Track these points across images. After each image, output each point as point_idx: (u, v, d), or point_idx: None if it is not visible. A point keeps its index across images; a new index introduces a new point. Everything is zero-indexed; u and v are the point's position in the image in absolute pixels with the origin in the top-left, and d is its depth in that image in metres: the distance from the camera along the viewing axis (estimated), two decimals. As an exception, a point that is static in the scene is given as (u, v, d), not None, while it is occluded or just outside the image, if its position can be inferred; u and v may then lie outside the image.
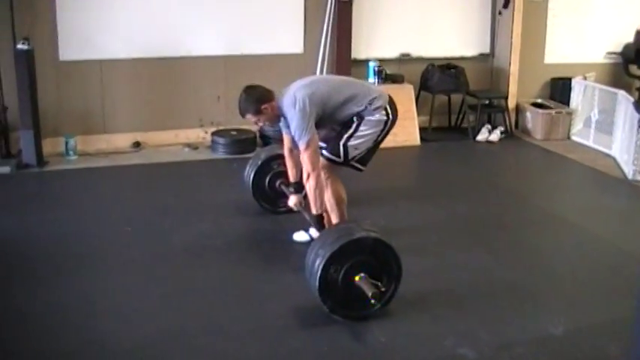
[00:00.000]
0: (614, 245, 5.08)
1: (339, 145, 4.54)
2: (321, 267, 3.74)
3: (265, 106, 4.45)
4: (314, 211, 4.42)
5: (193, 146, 7.35)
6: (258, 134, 7.38)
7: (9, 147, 6.71)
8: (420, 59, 8.14)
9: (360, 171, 4.76)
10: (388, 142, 7.30)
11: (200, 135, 7.51)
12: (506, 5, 8.22)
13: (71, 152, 6.93)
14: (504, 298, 4.19)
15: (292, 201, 4.79)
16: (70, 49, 6.97)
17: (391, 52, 8.06)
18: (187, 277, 4.40)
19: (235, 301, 4.14)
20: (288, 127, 4.51)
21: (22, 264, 4.57)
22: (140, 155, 7.08)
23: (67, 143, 6.92)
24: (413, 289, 4.19)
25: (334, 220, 4.69)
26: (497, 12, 8.36)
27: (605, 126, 7.61)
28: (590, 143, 7.81)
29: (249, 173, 5.40)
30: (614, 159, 7.23)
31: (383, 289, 3.82)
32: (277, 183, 5.30)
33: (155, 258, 4.68)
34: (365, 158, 4.70)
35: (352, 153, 4.56)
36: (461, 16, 8.30)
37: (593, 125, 7.82)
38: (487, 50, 8.49)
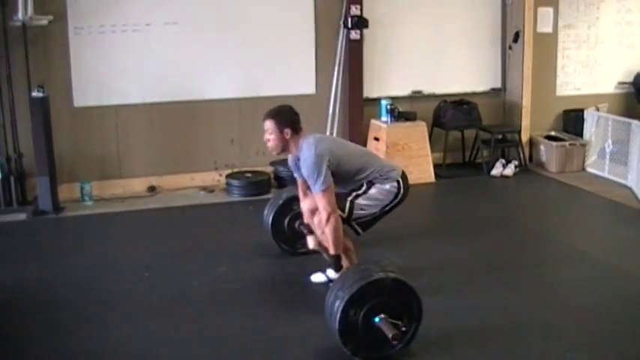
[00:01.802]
0: (635, 277, 5.03)
1: (345, 200, 4.52)
2: (340, 310, 3.72)
3: (288, 131, 4.43)
4: (332, 252, 4.39)
5: (209, 189, 7.36)
6: (272, 175, 7.39)
7: (25, 194, 6.74)
8: (432, 96, 8.17)
9: (358, 234, 4.71)
10: (403, 179, 7.39)
11: (215, 178, 7.53)
12: (516, 40, 8.26)
13: (87, 198, 6.95)
14: (527, 336, 4.14)
15: (311, 243, 4.75)
16: (84, 95, 7.04)
17: (403, 90, 8.09)
18: (207, 323, 4.37)
19: (256, 346, 4.09)
20: (299, 169, 4.51)
21: (40, 311, 4.55)
22: (156, 199, 7.10)
23: (82, 189, 6.95)
24: (434, 329, 4.15)
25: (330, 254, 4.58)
26: (507, 46, 8.40)
27: (620, 156, 7.59)
28: (605, 174, 7.78)
29: (269, 214, 5.38)
30: (630, 189, 7.19)
31: (404, 329, 3.79)
32: (297, 224, 5.26)
33: (174, 304, 4.66)
34: (367, 223, 4.66)
35: (357, 212, 4.54)
36: (471, 52, 8.34)
37: (607, 156, 7.80)
38: (499, 85, 8.51)
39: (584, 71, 8.63)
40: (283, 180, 7.26)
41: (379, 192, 4.55)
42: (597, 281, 5.04)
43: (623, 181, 7.42)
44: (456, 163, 8.32)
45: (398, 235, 5.95)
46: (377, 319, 3.75)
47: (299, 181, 4.76)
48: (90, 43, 6.96)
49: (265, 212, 5.44)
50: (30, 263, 5.43)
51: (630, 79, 8.70)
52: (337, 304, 3.76)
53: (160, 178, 7.36)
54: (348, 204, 4.52)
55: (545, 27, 8.35)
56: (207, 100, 7.41)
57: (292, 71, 7.64)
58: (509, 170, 7.95)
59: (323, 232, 4.49)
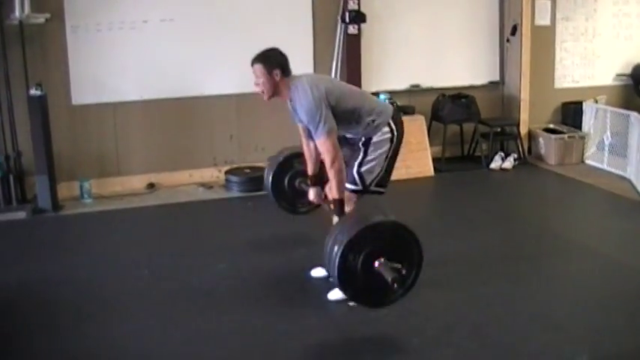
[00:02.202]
0: (635, 270, 5.03)
1: (353, 174, 4.48)
2: (339, 254, 3.63)
3: (278, 72, 4.36)
4: (336, 196, 4.29)
5: (208, 185, 7.36)
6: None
7: (24, 192, 6.74)
8: (430, 90, 8.16)
9: (382, 194, 4.65)
10: (401, 174, 7.41)
11: (214, 174, 7.53)
12: (513, 33, 8.25)
13: (86, 196, 6.95)
14: (528, 329, 4.14)
15: (312, 194, 4.73)
16: (82, 93, 7.03)
17: (401, 84, 8.08)
18: (207, 320, 4.37)
19: (256, 343, 4.10)
20: (297, 114, 4.40)
21: (40, 310, 4.55)
22: (155, 196, 7.10)
23: (81, 187, 6.95)
24: (435, 322, 4.18)
25: None
26: (505, 40, 8.39)
27: (619, 148, 7.60)
28: (604, 166, 7.79)
29: (269, 173, 5.21)
30: (629, 181, 7.20)
31: (403, 273, 3.73)
32: (297, 182, 5.12)
33: (174, 301, 4.66)
34: (382, 179, 4.59)
35: (368, 178, 4.50)
36: (469, 45, 8.34)
37: (606, 148, 7.81)
38: (497, 78, 8.50)
39: (582, 64, 8.63)
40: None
41: (375, 148, 4.47)
42: (597, 274, 5.04)
43: (622, 173, 7.43)
44: (454, 156, 8.32)
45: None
46: (376, 264, 3.68)
47: (300, 127, 4.63)
48: (87, 41, 6.94)
49: (265, 172, 5.28)
50: (30, 262, 5.43)
51: (628, 70, 8.70)
52: (336, 248, 3.68)
53: (158, 175, 7.37)
54: (357, 177, 4.46)
55: (542, 20, 8.34)
56: (206, 97, 7.40)
57: (291, 66, 7.61)
58: (508, 163, 7.96)
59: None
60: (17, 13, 6.47)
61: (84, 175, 7.01)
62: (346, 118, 4.38)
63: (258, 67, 4.41)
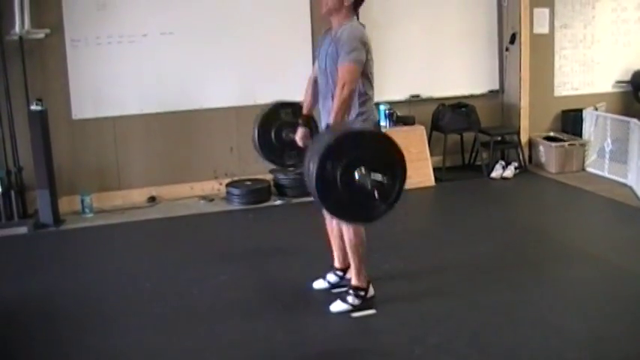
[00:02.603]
0: (637, 276, 5.02)
1: None
2: (317, 162, 3.52)
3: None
4: (332, 120, 4.13)
5: (209, 198, 7.36)
6: (272, 183, 7.39)
7: (26, 207, 6.74)
8: (430, 100, 8.17)
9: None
10: (403, 184, 7.39)
11: (215, 187, 7.54)
12: (512, 41, 8.26)
13: (87, 210, 6.96)
14: (529, 336, 4.13)
15: (299, 133, 4.63)
16: (82, 108, 7.05)
17: (401, 95, 8.09)
18: (209, 332, 4.36)
19: (258, 354, 4.09)
20: (326, 48, 4.35)
21: (42, 324, 4.55)
22: (156, 210, 7.10)
23: (82, 201, 6.96)
24: (436, 330, 4.18)
25: (353, 264, 4.53)
26: (504, 48, 8.41)
27: (620, 155, 7.59)
28: (605, 173, 7.78)
29: (254, 126, 5.01)
30: (630, 188, 7.19)
31: (385, 182, 3.60)
32: (284, 133, 4.94)
33: (176, 313, 4.65)
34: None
35: None
36: (468, 55, 8.35)
37: (607, 155, 7.80)
38: (496, 87, 8.51)
39: (582, 71, 8.64)
40: (283, 187, 7.27)
41: None
42: (598, 280, 5.03)
43: (623, 180, 7.42)
44: (455, 166, 8.32)
45: (400, 238, 5.97)
46: (356, 175, 3.57)
47: (314, 68, 4.63)
48: (87, 55, 6.98)
49: (252, 126, 5.06)
50: (32, 276, 5.43)
51: (628, 77, 8.70)
52: (315, 157, 3.57)
53: (159, 188, 7.37)
54: None
55: (541, 28, 8.35)
56: (205, 109, 7.42)
57: (289, 79, 7.61)
58: (509, 172, 7.95)
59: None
60: (17, 29, 6.51)
61: (85, 189, 7.02)
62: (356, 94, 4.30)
63: None
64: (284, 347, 4.15)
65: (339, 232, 4.68)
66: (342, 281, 4.85)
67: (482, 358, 3.92)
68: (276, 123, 4.97)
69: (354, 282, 4.53)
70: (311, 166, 3.59)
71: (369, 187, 3.52)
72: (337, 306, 4.53)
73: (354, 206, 3.65)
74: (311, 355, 4.05)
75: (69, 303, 4.89)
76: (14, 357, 4.18)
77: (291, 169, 4.97)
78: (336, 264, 4.91)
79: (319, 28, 7.60)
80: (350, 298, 4.52)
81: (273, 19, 7.52)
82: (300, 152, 4.65)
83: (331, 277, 4.90)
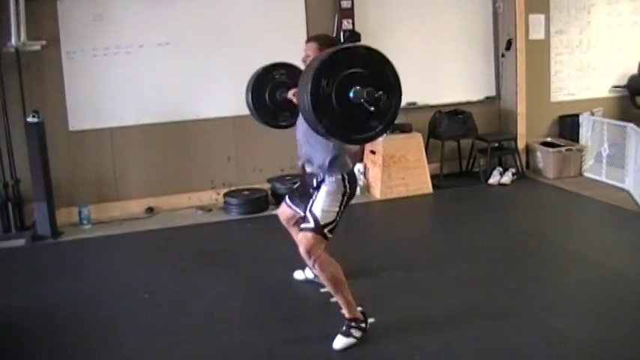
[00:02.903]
0: (635, 280, 5.01)
1: (306, 214, 4.35)
2: (311, 78, 3.51)
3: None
4: None
5: (206, 208, 7.36)
6: (270, 192, 7.39)
7: (23, 219, 6.74)
8: (426, 107, 8.18)
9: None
10: (400, 191, 7.47)
11: (213, 197, 7.54)
12: (508, 47, 8.28)
13: (85, 221, 6.96)
14: (528, 342, 4.12)
15: (292, 92, 4.67)
16: (79, 119, 7.07)
17: (397, 102, 8.07)
18: (208, 342, 4.35)
19: (258, 363, 4.10)
20: None
21: (41, 336, 4.53)
22: (154, 220, 7.10)
23: (80, 212, 6.96)
24: (435, 337, 4.18)
25: (339, 301, 4.38)
26: (500, 55, 8.42)
27: (617, 160, 7.60)
28: (602, 178, 7.79)
29: (248, 87, 5.00)
30: (628, 192, 7.20)
31: (380, 96, 3.62)
32: (278, 93, 4.93)
33: (175, 324, 4.64)
34: (334, 228, 4.35)
35: (323, 220, 4.26)
36: (464, 62, 8.37)
37: (604, 160, 7.81)
38: (493, 93, 8.53)
39: (578, 76, 8.66)
40: (281, 197, 7.25)
41: (331, 199, 4.30)
42: (597, 285, 5.02)
43: (620, 185, 7.43)
44: (453, 173, 8.33)
45: (398, 246, 5.97)
46: (351, 92, 3.57)
47: None
48: (83, 67, 6.99)
49: (245, 88, 5.05)
50: (30, 288, 5.42)
51: (624, 82, 8.72)
52: (310, 73, 3.57)
53: (157, 199, 7.37)
54: (310, 216, 4.29)
55: (537, 33, 8.38)
56: (202, 120, 7.43)
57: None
58: (507, 178, 7.96)
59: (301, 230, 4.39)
60: (13, 41, 6.52)
61: (82, 201, 7.01)
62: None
63: (312, 44, 4.50)
64: (284, 357, 4.14)
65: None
66: (317, 278, 4.76)
67: (482, 364, 3.92)
68: (270, 84, 4.96)
69: (348, 315, 4.36)
70: (307, 79, 3.59)
71: (364, 101, 3.56)
72: (340, 342, 4.29)
73: (349, 123, 3.65)
74: (311, 364, 4.04)
75: (67, 315, 4.88)
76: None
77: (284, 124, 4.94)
78: None
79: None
80: (353, 331, 4.32)
81: (270, 28, 7.53)
82: (293, 112, 4.68)
83: (310, 274, 5.00)
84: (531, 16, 8.30)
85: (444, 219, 7.11)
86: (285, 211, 4.89)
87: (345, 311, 4.35)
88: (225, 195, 7.37)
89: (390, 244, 6.02)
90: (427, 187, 7.70)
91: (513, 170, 8.10)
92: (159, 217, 7.18)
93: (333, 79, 3.56)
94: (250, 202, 7.20)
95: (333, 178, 4.35)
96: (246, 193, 7.36)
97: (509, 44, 8.27)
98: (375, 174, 7.63)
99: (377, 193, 7.55)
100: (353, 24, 7.62)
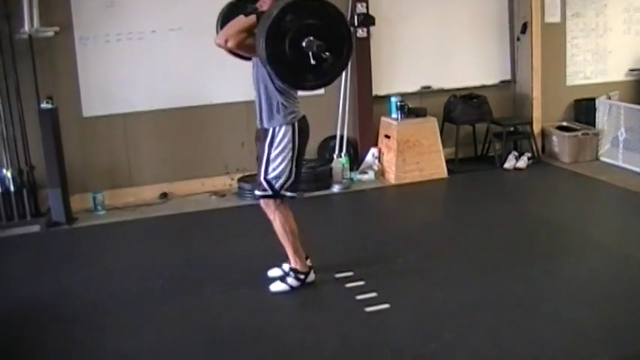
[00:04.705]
0: (654, 268, 4.99)
1: (261, 181, 4.59)
2: (279, 8, 3.90)
3: None
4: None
5: (220, 194, 7.35)
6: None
7: (38, 205, 6.75)
8: (441, 91, 8.12)
9: (294, 199, 4.71)
10: (415, 176, 7.43)
11: (226, 182, 7.52)
12: (523, 31, 8.20)
13: (99, 207, 6.96)
14: (544, 330, 4.10)
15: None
16: (93, 105, 7.05)
17: (412, 86, 8.05)
18: (222, 330, 4.35)
19: (271, 352, 4.08)
20: None
21: (55, 323, 4.56)
22: (168, 206, 7.10)
23: (94, 199, 6.96)
24: (452, 327, 4.15)
25: (287, 249, 4.77)
26: (515, 38, 8.34)
27: (634, 144, 7.53)
28: (619, 163, 7.72)
29: (220, 17, 5.14)
30: (645, 177, 7.16)
31: (326, 56, 3.95)
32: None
33: (189, 311, 4.64)
34: (293, 185, 4.63)
35: (277, 183, 4.56)
36: (479, 45, 8.29)
37: (621, 144, 7.74)
38: (508, 77, 8.45)
39: (594, 60, 8.57)
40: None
41: (279, 152, 4.53)
42: (614, 272, 4.98)
43: (637, 169, 7.36)
44: (468, 157, 8.26)
45: (412, 231, 5.96)
46: (304, 41, 3.92)
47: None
48: (96, 53, 6.97)
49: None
50: (44, 275, 5.44)
51: (641, 65, 8.64)
52: (265, 24, 3.94)
53: (171, 184, 7.37)
54: (265, 184, 4.57)
55: (552, 17, 8.29)
56: (215, 105, 7.40)
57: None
58: (522, 163, 7.90)
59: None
60: (26, 28, 6.51)
61: (96, 187, 7.02)
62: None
63: None
64: (298, 344, 4.14)
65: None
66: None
67: (498, 353, 3.89)
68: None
69: (292, 265, 4.80)
70: (270, 14, 3.93)
71: (311, 53, 3.89)
72: (277, 286, 4.83)
73: (291, 66, 4.00)
74: (325, 352, 4.02)
75: (82, 301, 4.90)
76: (26, 356, 4.19)
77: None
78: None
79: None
80: (290, 280, 4.81)
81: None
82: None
83: (286, 267, 4.98)
84: (547, -1, 8.23)
85: (458, 204, 7.07)
86: None
87: (290, 260, 4.76)
88: (239, 180, 7.36)
89: (404, 230, 6.00)
90: (442, 171, 7.66)
91: (529, 155, 8.03)
92: (173, 203, 7.18)
93: (296, 20, 3.90)
94: (264, 188, 7.17)
95: (283, 131, 4.53)
96: (260, 178, 7.33)
97: (524, 27, 8.19)
98: (389, 159, 7.59)
99: (391, 177, 7.52)
100: (367, 7, 7.56)
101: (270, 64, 4.00)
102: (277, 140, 4.54)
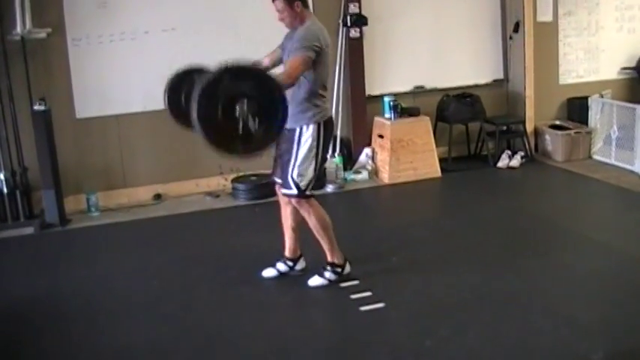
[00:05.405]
0: (648, 264, 5.00)
1: (288, 180, 4.62)
2: (199, 94, 3.77)
3: (299, 3, 4.59)
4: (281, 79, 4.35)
5: (214, 194, 7.34)
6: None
7: (31, 207, 6.72)
8: (434, 90, 8.13)
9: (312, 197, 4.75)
10: (409, 175, 7.43)
11: (220, 182, 7.51)
12: (516, 29, 8.21)
13: (93, 209, 6.94)
14: (541, 326, 4.11)
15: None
16: (86, 107, 7.03)
17: (405, 86, 8.05)
18: (218, 328, 4.36)
19: (268, 348, 4.08)
20: (288, 41, 4.69)
21: (51, 324, 4.55)
22: (162, 207, 7.09)
23: (88, 200, 6.94)
24: (446, 321, 4.17)
25: (324, 244, 4.78)
26: (508, 37, 8.35)
27: (626, 142, 7.54)
28: (612, 161, 7.74)
29: (166, 87, 5.03)
30: (637, 175, 7.17)
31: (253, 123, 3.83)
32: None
33: (184, 310, 4.64)
34: (317, 181, 4.76)
35: (303, 183, 4.60)
36: (472, 44, 8.30)
37: (613, 142, 7.76)
38: (501, 76, 8.47)
39: (587, 58, 8.59)
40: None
41: (305, 153, 4.59)
42: (608, 268, 4.99)
43: (630, 167, 7.39)
44: (461, 156, 8.27)
45: (407, 230, 5.96)
46: (237, 108, 3.80)
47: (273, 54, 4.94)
48: (89, 54, 6.95)
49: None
50: (39, 276, 5.43)
51: (633, 63, 8.64)
52: (199, 88, 3.81)
53: (165, 185, 7.35)
54: (292, 182, 4.60)
55: (544, 15, 8.30)
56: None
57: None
58: (516, 161, 7.91)
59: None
60: (19, 29, 6.49)
61: (90, 188, 7.00)
62: (307, 89, 4.56)
63: (280, 3, 4.66)
64: (295, 341, 4.15)
65: (292, 223, 4.91)
66: (292, 271, 5.03)
67: (493, 349, 3.90)
68: (187, 85, 4.82)
69: (329, 259, 4.80)
70: (207, 77, 3.87)
71: (242, 120, 3.77)
72: (315, 280, 4.81)
73: (218, 127, 3.86)
74: (322, 349, 4.04)
75: (77, 302, 4.89)
76: (23, 357, 4.18)
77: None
78: (287, 253, 5.05)
79: (322, 20, 7.52)
80: (327, 274, 4.81)
81: (275, 12, 7.46)
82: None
83: (281, 267, 5.03)
84: (539, -2, 8.25)
85: (452, 203, 7.08)
86: (279, 191, 4.93)
87: (327, 254, 4.75)
88: (233, 181, 7.35)
89: (399, 229, 6.00)
90: (435, 170, 7.67)
91: (522, 153, 8.05)
92: (167, 204, 7.17)
93: (221, 97, 3.77)
94: (258, 188, 7.16)
95: (311, 131, 4.57)
96: (254, 178, 7.33)
97: (517, 27, 8.20)
98: (383, 158, 7.60)
99: (385, 177, 7.52)
100: (360, 7, 7.57)
101: (200, 122, 3.86)
102: (304, 139, 4.58)
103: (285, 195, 4.72)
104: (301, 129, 4.57)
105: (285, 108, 3.93)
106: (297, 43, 4.46)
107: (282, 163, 4.71)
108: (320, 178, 7.24)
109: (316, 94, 4.58)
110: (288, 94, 4.40)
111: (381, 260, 5.25)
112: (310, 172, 4.60)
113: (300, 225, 4.87)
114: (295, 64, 4.38)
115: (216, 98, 3.76)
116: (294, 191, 4.61)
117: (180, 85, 4.89)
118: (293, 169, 4.58)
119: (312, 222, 4.70)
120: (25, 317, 4.68)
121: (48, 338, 4.36)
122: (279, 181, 4.81)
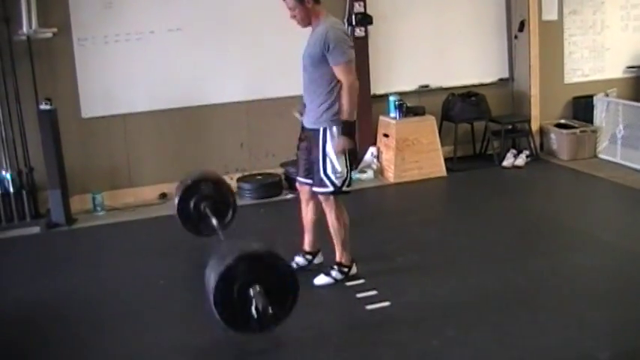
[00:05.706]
0: (654, 263, 5.00)
1: (321, 177, 4.64)
2: (216, 281, 3.82)
3: (310, 0, 4.54)
4: (345, 117, 4.53)
5: (220, 193, 7.34)
6: (283, 177, 7.37)
7: (37, 207, 6.74)
8: (439, 90, 8.13)
9: (348, 193, 4.79)
10: (414, 175, 7.44)
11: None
12: (521, 29, 8.21)
13: (99, 208, 6.96)
14: (547, 326, 4.11)
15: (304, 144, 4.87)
16: (92, 106, 7.04)
17: (410, 85, 8.05)
18: (227, 330, 4.35)
19: (272, 351, 4.10)
20: (307, 54, 4.66)
21: (57, 324, 4.56)
22: (167, 207, 7.04)
23: (94, 199, 6.96)
24: (454, 323, 4.15)
25: (337, 244, 4.80)
26: (513, 36, 8.35)
27: (632, 141, 7.54)
28: (617, 160, 7.73)
29: (176, 196, 5.47)
30: (643, 174, 7.18)
31: (268, 311, 3.81)
32: (202, 206, 5.35)
33: (191, 310, 4.64)
34: (349, 179, 4.73)
35: (338, 180, 4.63)
36: (477, 44, 8.30)
37: (619, 141, 7.75)
38: (506, 75, 8.46)
39: (592, 57, 8.57)
40: (294, 181, 7.24)
41: (330, 149, 4.60)
42: (614, 267, 4.99)
43: (636, 166, 7.38)
44: (466, 155, 8.27)
45: (412, 229, 5.96)
46: (251, 291, 3.82)
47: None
48: (95, 54, 6.96)
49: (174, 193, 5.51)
50: (45, 276, 5.44)
51: (638, 62, 8.63)
52: (214, 273, 3.87)
53: (170, 184, 7.30)
54: (326, 179, 4.62)
55: (550, 14, 8.29)
56: (214, 105, 7.40)
57: (298, 72, 7.59)
58: (521, 160, 7.91)
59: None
60: (25, 29, 6.51)
61: (96, 188, 7.02)
62: (329, 81, 4.58)
63: (290, 0, 4.61)
64: (300, 341, 4.15)
65: (314, 216, 4.96)
66: (310, 265, 5.06)
67: (500, 348, 3.90)
68: (196, 195, 5.40)
69: (338, 258, 4.84)
70: (211, 280, 3.90)
71: (255, 304, 3.79)
72: (321, 279, 4.85)
73: (235, 309, 3.87)
74: (327, 348, 4.03)
75: (83, 302, 4.90)
76: (29, 356, 4.18)
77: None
78: (306, 247, 5.09)
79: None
80: (334, 273, 4.84)
81: (282, 12, 7.45)
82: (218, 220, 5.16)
83: (300, 260, 5.05)
84: (544, -3, 8.24)
85: (458, 202, 7.08)
86: (302, 189, 5.00)
87: (337, 254, 4.79)
88: (238, 180, 7.36)
89: (404, 228, 6.00)
90: (441, 170, 7.67)
91: (527, 152, 8.05)
92: (172, 203, 7.14)
93: (236, 281, 3.83)
94: (264, 187, 7.18)
95: (332, 131, 4.58)
96: (260, 178, 7.34)
97: (522, 25, 8.20)
98: (388, 157, 7.60)
99: (390, 176, 7.52)
100: (365, 7, 7.57)
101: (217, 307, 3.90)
102: (329, 139, 4.59)
103: (318, 194, 4.72)
104: (324, 130, 4.59)
105: (296, 289, 4.00)
106: (335, 47, 4.46)
107: (308, 162, 4.75)
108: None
109: (337, 92, 4.57)
110: (310, 92, 4.65)
111: (387, 259, 5.25)
112: (345, 170, 4.63)
113: (320, 221, 4.92)
114: (345, 69, 4.49)
115: (231, 284, 3.84)
116: (330, 188, 4.63)
117: (190, 195, 5.38)
118: (325, 167, 4.60)
119: (331, 218, 4.73)
120: (30, 316, 4.69)
121: (53, 337, 4.37)
122: (304, 180, 4.85)
